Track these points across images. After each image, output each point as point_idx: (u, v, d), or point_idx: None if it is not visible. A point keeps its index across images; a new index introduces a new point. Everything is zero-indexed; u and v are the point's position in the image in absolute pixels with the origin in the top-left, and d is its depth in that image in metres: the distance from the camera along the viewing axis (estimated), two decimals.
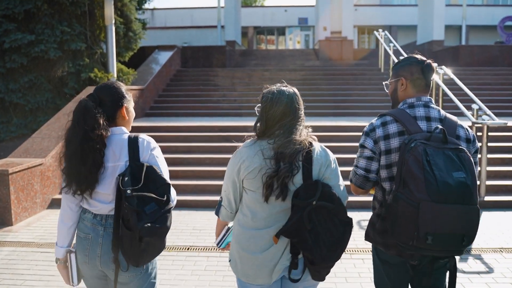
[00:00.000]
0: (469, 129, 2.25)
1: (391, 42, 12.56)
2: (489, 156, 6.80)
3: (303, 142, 2.04)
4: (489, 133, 6.70)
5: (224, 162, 7.50)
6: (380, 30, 13.57)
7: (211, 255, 4.57)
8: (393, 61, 11.70)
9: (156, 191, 2.06)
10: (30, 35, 9.05)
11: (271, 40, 37.31)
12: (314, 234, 1.98)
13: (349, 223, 2.04)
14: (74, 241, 2.28)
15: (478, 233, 4.77)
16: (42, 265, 4.32)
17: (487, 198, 6.29)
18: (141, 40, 11.32)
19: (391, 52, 11.95)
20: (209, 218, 5.79)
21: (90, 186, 2.11)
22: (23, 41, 8.98)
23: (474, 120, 6.37)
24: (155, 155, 2.17)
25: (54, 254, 2.33)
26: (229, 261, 2.27)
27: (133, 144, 2.14)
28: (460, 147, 2.01)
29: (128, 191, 2.00)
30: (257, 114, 2.16)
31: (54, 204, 6.57)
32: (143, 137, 2.19)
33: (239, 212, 2.20)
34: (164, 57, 13.38)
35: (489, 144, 6.84)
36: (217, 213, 2.27)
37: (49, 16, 9.41)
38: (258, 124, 2.12)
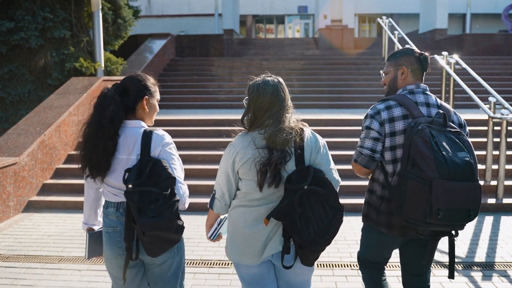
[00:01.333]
0: (460, 115, 2.40)
1: (395, 30, 11.93)
2: (508, 153, 6.19)
3: (294, 129, 2.09)
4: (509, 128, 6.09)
5: (218, 160, 6.93)
6: (384, 17, 12.91)
7: (198, 271, 4.00)
8: (398, 49, 11.07)
9: (161, 184, 2.04)
10: (9, 22, 8.43)
11: (270, 29, 36.57)
12: (304, 218, 2.02)
13: (339, 209, 2.07)
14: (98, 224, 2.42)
15: (500, 243, 4.42)
16: (3, 285, 3.75)
17: (505, 201, 5.69)
18: (131, 27, 10.67)
19: (396, 40, 11.32)
20: (198, 225, 5.21)
21: (101, 173, 2.16)
22: (1, 29, 8.39)
23: (491, 114, 5.77)
24: (167, 150, 2.17)
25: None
26: (225, 246, 2.32)
27: (146, 138, 2.14)
28: (458, 130, 2.17)
29: (130, 186, 2.01)
30: (245, 106, 2.19)
31: (31, 207, 6.00)
32: (158, 132, 2.19)
33: (235, 197, 2.24)
34: (157, 46, 12.74)
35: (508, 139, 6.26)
36: (211, 206, 2.29)
37: (30, 1, 8.75)
38: (247, 117, 2.18)
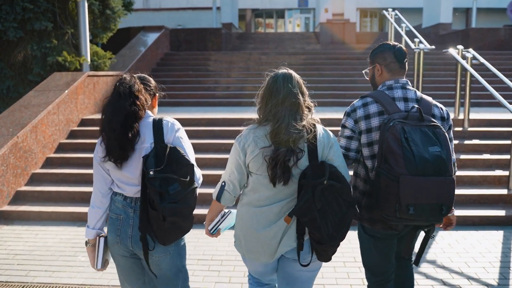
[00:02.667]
0: (443, 107, 2.39)
1: (402, 23, 11.25)
2: None
3: (305, 127, 2.08)
4: None
5: (210, 164, 6.27)
6: (390, 9, 12.23)
7: None
8: (405, 42, 10.44)
9: (180, 171, 2.09)
10: None
11: (270, 24, 35.88)
12: (322, 213, 2.03)
13: (352, 203, 2.11)
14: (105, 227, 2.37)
15: None
16: None
17: None
18: (121, 19, 9.96)
19: (403, 33, 10.65)
20: None
21: (123, 157, 2.17)
22: None
23: None
24: (179, 136, 2.23)
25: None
26: (234, 242, 2.32)
27: (157, 126, 2.20)
28: (435, 123, 2.16)
29: (151, 173, 2.05)
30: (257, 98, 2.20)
31: (1, 218, 5.35)
32: (168, 119, 2.26)
33: (243, 194, 2.25)
34: (150, 39, 12.05)
35: None
36: (218, 198, 2.25)
37: None
38: (259, 108, 2.18)
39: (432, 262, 4.02)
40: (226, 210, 2.32)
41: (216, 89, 10.57)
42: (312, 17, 32.49)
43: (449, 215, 2.47)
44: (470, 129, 6.86)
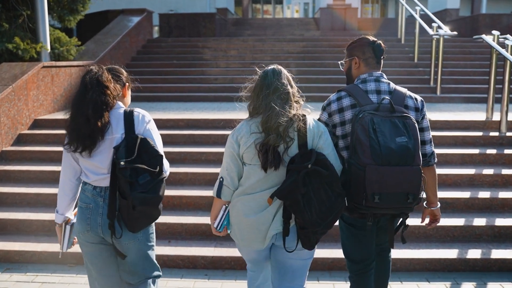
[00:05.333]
0: (418, 98, 2.48)
1: (415, 6, 9.89)
2: None
3: (295, 116, 2.19)
4: None
5: (186, 180, 4.96)
6: None
7: None
8: (420, 27, 9.09)
9: (149, 162, 2.19)
10: None
11: (268, 11, 34.43)
12: (306, 199, 2.11)
13: (341, 194, 2.19)
14: (73, 213, 2.49)
15: None
16: None
17: None
18: (90, 0, 8.54)
19: (417, 16, 9.28)
20: None
21: (89, 147, 2.23)
22: None
23: None
24: (149, 128, 2.32)
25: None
26: (229, 232, 2.42)
27: (128, 117, 2.28)
28: (406, 114, 2.26)
29: (122, 163, 2.14)
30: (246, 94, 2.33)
31: None
32: (139, 110, 2.35)
33: (238, 187, 2.32)
34: (130, 24, 10.63)
35: None
36: (218, 195, 2.33)
37: None
38: (250, 103, 2.30)
39: None
40: (228, 205, 2.37)
41: (202, 81, 9.21)
42: (312, 3, 31.18)
43: (433, 209, 2.60)
44: (509, 134, 5.55)
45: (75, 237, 2.49)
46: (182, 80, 9.23)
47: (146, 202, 2.14)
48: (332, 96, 2.51)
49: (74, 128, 2.22)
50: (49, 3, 7.79)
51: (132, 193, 2.10)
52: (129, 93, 2.51)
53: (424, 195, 2.48)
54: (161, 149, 2.30)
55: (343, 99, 2.43)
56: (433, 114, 6.41)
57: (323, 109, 2.51)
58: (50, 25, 8.67)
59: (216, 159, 5.25)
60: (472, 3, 25.47)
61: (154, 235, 2.48)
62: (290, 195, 2.10)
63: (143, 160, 2.17)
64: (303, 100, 2.31)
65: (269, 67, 2.30)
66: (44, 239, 4.23)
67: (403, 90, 2.47)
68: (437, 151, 5.59)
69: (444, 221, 4.18)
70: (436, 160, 2.54)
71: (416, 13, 9.45)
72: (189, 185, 4.92)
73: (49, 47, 7.28)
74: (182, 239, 4.23)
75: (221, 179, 2.31)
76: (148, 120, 2.32)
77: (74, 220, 2.45)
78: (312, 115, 2.31)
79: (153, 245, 2.47)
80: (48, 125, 6.22)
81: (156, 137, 2.33)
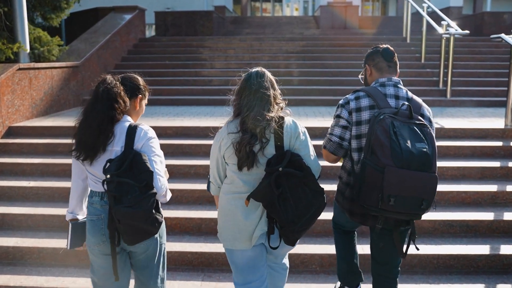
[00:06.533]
0: (430, 110, 2.51)
1: (423, 3, 9.33)
2: None
3: (273, 118, 2.22)
4: None
5: (177, 196, 4.41)
6: None
7: None
8: (427, 24, 8.55)
9: (139, 176, 2.15)
10: None
11: (267, 9, 33.89)
12: (282, 199, 2.15)
13: (319, 192, 2.21)
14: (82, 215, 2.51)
15: None
16: None
17: None
18: None
19: (425, 14, 8.73)
20: None
21: (91, 156, 2.27)
22: None
23: None
24: (149, 144, 2.30)
25: None
26: (217, 234, 2.45)
27: (131, 131, 2.28)
28: (423, 122, 2.28)
29: (108, 176, 2.14)
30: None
31: None
32: (143, 127, 2.33)
33: (224, 183, 2.39)
34: (120, 22, 10.07)
35: None
36: (208, 189, 2.49)
37: None
38: (233, 104, 2.35)
39: None
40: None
41: (196, 83, 8.65)
42: (311, 0, 30.64)
43: None
44: None
45: (87, 248, 2.46)
46: (175, 82, 8.67)
47: (130, 217, 2.10)
48: (350, 95, 2.52)
49: (79, 138, 2.28)
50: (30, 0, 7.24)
51: (115, 207, 2.09)
52: (142, 104, 2.50)
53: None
54: (159, 165, 2.27)
55: (361, 99, 2.45)
56: (445, 121, 5.86)
57: (342, 106, 2.50)
58: (35, 24, 8.11)
59: (206, 173, 4.69)
60: (475, 1, 24.92)
61: (164, 238, 2.53)
62: (265, 197, 2.15)
63: (133, 174, 2.15)
64: (285, 104, 2.33)
65: (253, 69, 2.34)
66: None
67: (419, 99, 2.50)
68: (454, 164, 5.07)
69: (467, 249, 3.64)
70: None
71: (424, 11, 8.90)
72: (175, 203, 4.37)
73: (28, 47, 6.72)
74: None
75: (209, 176, 2.46)
76: (150, 137, 2.31)
77: (80, 220, 2.49)
78: (291, 117, 2.32)
79: (161, 260, 2.51)
80: (24, 133, 5.65)
81: (154, 154, 2.29)
